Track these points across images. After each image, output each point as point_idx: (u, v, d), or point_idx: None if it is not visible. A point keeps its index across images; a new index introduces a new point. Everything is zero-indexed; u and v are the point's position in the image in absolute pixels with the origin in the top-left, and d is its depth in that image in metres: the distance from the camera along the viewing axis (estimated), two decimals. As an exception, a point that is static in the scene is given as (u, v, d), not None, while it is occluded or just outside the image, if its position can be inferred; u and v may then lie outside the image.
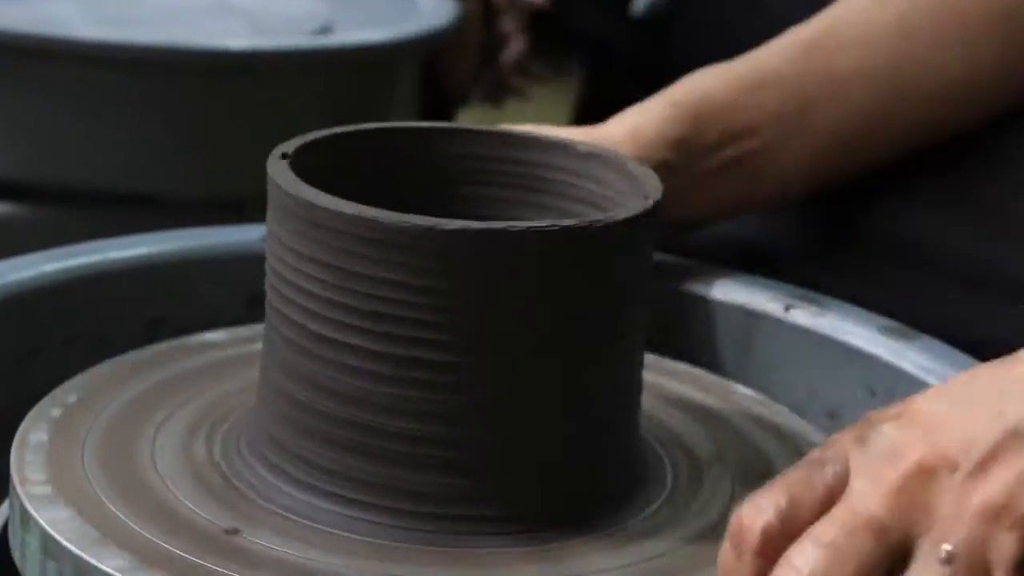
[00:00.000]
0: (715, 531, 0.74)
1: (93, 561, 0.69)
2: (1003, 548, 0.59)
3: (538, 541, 0.72)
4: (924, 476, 0.60)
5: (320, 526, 0.72)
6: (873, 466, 0.61)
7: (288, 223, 0.73)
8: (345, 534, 0.72)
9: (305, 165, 0.75)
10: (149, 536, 0.71)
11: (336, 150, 0.79)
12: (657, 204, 0.74)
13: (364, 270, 0.70)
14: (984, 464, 0.60)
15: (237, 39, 1.54)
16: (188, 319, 0.95)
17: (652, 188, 0.76)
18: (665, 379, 0.89)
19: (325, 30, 1.70)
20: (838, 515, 0.61)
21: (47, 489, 0.74)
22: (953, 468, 0.60)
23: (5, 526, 0.79)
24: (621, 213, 0.73)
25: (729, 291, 0.96)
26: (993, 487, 0.59)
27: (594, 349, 0.73)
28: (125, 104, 1.44)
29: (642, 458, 0.79)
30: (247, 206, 1.44)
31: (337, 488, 0.73)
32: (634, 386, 0.77)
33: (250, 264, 0.95)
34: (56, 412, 0.80)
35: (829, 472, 0.63)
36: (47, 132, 1.44)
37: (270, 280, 0.75)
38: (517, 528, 0.73)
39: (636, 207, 0.74)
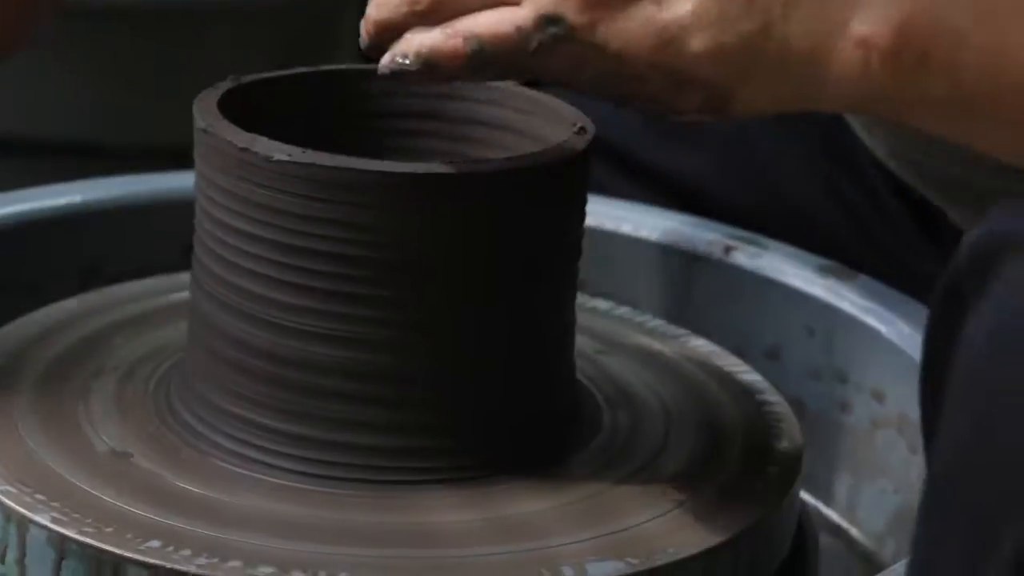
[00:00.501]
0: (647, 471, 0.74)
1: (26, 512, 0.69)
2: None
3: (473, 484, 0.72)
4: None
5: (238, 469, 0.72)
6: None
7: (215, 166, 0.72)
8: (268, 479, 0.72)
9: (233, 107, 0.74)
10: (54, 467, 0.71)
11: (264, 92, 0.78)
12: (588, 145, 0.74)
13: (295, 209, 0.70)
14: None
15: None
16: (122, 267, 0.94)
17: (585, 129, 0.75)
18: (602, 321, 0.89)
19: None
20: None
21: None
22: None
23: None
24: (552, 153, 0.72)
25: (669, 232, 0.96)
26: None
27: (525, 288, 0.73)
28: (61, 51, 1.43)
29: (578, 400, 0.79)
30: (187, 155, 1.43)
31: (262, 434, 0.72)
32: (567, 327, 0.77)
33: (185, 212, 0.94)
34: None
35: None
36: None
37: (198, 225, 0.75)
38: (451, 472, 0.72)
39: (566, 147, 0.73)
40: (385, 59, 0.67)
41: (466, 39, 0.65)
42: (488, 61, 0.65)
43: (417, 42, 0.66)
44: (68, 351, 0.81)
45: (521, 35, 0.64)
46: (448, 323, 0.71)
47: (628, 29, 0.63)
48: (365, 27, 0.68)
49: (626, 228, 0.97)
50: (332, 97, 0.80)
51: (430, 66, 0.66)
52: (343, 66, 0.81)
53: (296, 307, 0.71)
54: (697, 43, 0.63)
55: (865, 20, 0.62)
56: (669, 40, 0.63)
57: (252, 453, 0.73)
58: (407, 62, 0.66)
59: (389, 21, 0.67)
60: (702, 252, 0.95)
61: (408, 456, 0.72)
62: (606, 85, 0.66)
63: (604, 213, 0.95)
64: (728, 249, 0.94)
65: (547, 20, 0.64)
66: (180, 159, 1.44)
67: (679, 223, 0.96)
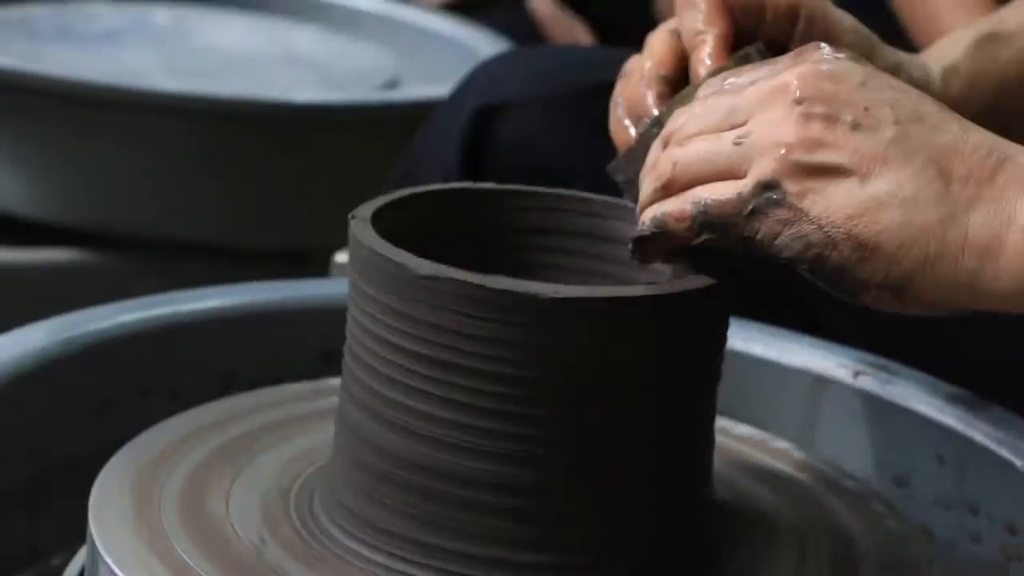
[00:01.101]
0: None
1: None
2: (763, 166, 0.71)
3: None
4: (786, 90, 0.72)
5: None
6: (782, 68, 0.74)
7: (375, 283, 0.74)
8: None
9: (386, 224, 0.76)
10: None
11: (414, 210, 0.80)
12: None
13: (447, 325, 0.71)
14: (823, 119, 0.71)
15: (305, 92, 1.55)
16: (260, 373, 0.96)
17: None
18: (734, 443, 0.89)
19: (392, 84, 1.72)
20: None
21: (126, 544, 0.74)
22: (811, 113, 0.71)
23: (81, 574, 0.80)
24: (699, 282, 0.74)
25: (798, 355, 0.96)
26: (808, 130, 0.71)
27: (667, 410, 0.74)
28: (197, 154, 1.46)
29: (714, 520, 0.79)
30: (310, 258, 1.46)
31: (405, 545, 0.73)
32: (707, 449, 0.78)
33: (322, 319, 0.96)
34: (133, 466, 0.81)
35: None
36: (122, 181, 1.46)
37: (351, 337, 0.76)
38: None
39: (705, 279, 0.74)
40: (634, 234, 0.76)
41: (694, 203, 0.73)
42: (709, 222, 0.73)
43: (653, 209, 0.75)
44: (211, 455, 0.82)
45: (740, 200, 0.72)
46: (592, 444, 0.72)
47: (832, 198, 0.70)
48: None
49: (756, 350, 0.97)
50: (482, 214, 0.82)
51: (660, 227, 0.74)
52: (493, 185, 0.83)
53: (443, 420, 0.72)
54: (888, 217, 0.70)
55: None
56: (864, 211, 0.70)
57: (395, 564, 0.74)
58: (644, 227, 0.75)
59: (646, 203, 0.76)
60: (831, 376, 0.95)
61: (549, 572, 0.73)
62: (800, 249, 0.71)
63: (734, 334, 0.96)
64: (857, 374, 0.94)
65: (764, 186, 0.72)
66: (302, 263, 1.47)
67: (808, 346, 0.97)
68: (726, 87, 0.75)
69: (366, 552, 0.74)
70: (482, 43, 1.76)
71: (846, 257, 0.71)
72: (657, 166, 0.75)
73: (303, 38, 1.81)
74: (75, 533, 0.79)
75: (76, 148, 1.45)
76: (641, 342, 0.72)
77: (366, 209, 0.77)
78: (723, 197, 0.73)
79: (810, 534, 0.80)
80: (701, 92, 0.77)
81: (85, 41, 1.65)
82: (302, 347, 0.97)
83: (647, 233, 0.75)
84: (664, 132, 0.76)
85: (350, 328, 0.76)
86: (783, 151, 0.71)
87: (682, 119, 0.75)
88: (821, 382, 0.95)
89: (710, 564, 0.76)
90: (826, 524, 0.82)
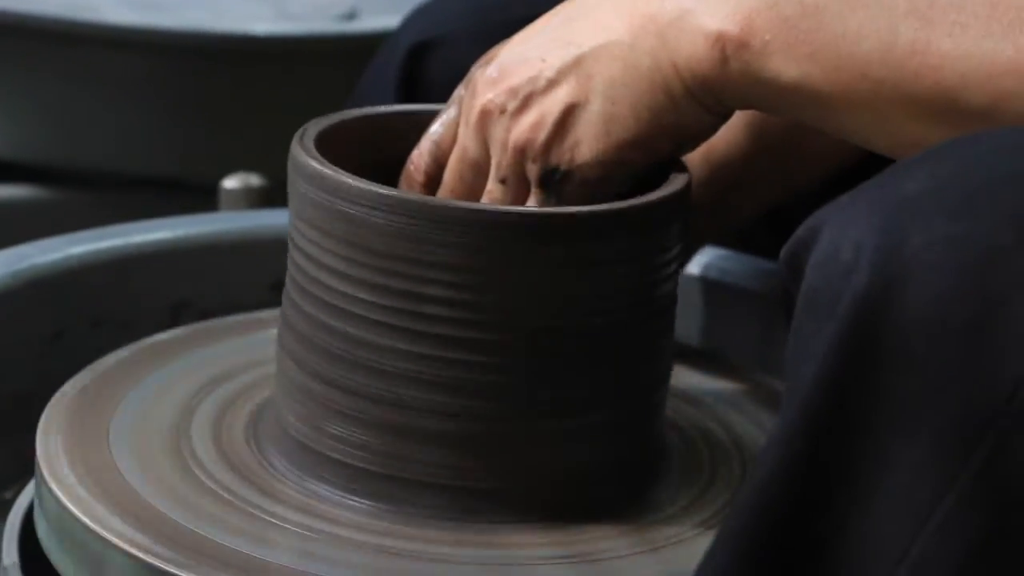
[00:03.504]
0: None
1: (113, 539, 0.70)
2: (532, 172, 0.74)
3: (555, 523, 0.73)
4: (487, 116, 0.75)
5: (327, 503, 0.73)
6: (466, 108, 0.76)
7: (314, 205, 0.73)
8: (352, 505, 0.73)
9: (327, 146, 0.75)
10: (173, 517, 0.71)
11: (357, 131, 0.79)
12: (685, 188, 0.75)
13: (396, 250, 0.71)
14: (521, 107, 0.74)
15: (262, 24, 1.54)
16: (212, 303, 0.95)
17: (681, 174, 0.76)
18: (688, 365, 0.89)
19: (350, 16, 1.70)
20: (453, 156, 0.77)
21: (71, 472, 0.74)
22: (503, 110, 0.74)
23: (31, 508, 0.80)
24: (653, 195, 0.73)
25: (762, 280, 0.96)
26: (522, 127, 0.74)
27: (625, 331, 0.74)
28: (151, 88, 1.45)
29: (664, 442, 0.79)
30: (275, 191, 1.45)
31: (349, 464, 0.74)
32: (663, 370, 0.77)
33: (275, 249, 0.95)
34: (80, 395, 0.80)
35: (453, 113, 0.78)
36: (75, 116, 1.45)
37: (293, 260, 0.76)
38: (536, 511, 0.73)
39: (666, 190, 0.74)
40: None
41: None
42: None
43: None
44: (161, 385, 0.82)
45: (540, 200, 0.75)
46: (546, 365, 0.72)
47: (581, 137, 0.74)
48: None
49: (713, 275, 0.97)
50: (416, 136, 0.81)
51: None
52: (431, 106, 0.82)
53: (389, 349, 0.72)
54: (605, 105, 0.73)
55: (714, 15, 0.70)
56: (603, 128, 0.74)
57: (347, 497, 0.74)
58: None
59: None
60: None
61: (500, 504, 0.73)
62: (614, 183, 0.74)
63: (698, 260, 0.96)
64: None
65: (544, 181, 0.74)
66: (267, 197, 1.46)
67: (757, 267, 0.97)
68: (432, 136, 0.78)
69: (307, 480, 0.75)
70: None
71: (634, 156, 0.73)
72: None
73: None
74: (27, 465, 0.79)
75: (28, 84, 1.44)
76: (584, 259, 0.72)
77: (311, 130, 0.77)
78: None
79: (753, 455, 0.81)
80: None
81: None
82: (254, 278, 0.96)
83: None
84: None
85: (291, 254, 0.76)
86: (527, 151, 0.74)
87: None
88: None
89: (655, 487, 0.77)
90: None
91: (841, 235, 0.60)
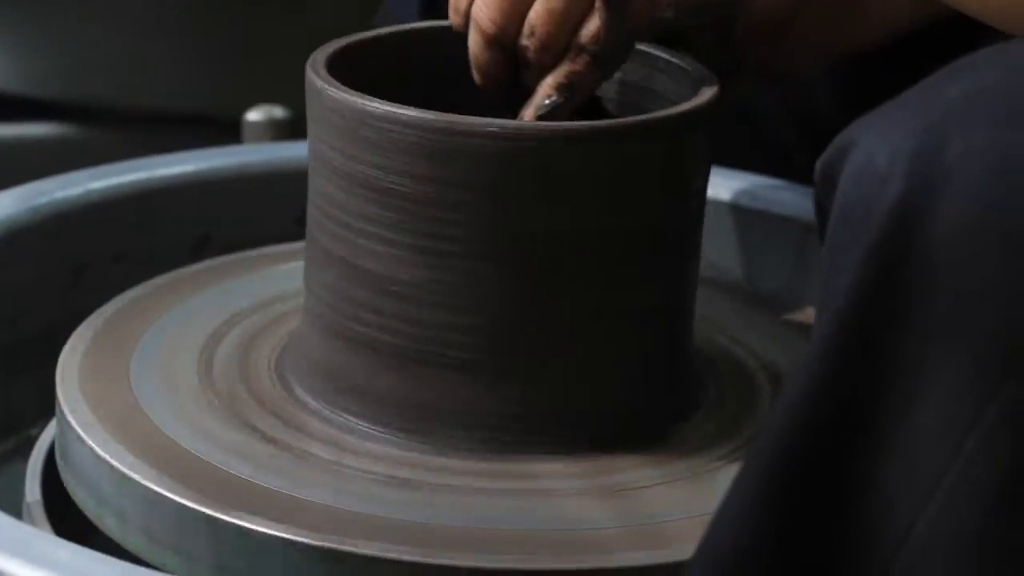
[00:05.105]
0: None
1: (135, 476, 0.69)
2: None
3: (586, 453, 0.72)
4: None
5: (356, 436, 0.72)
6: None
7: (329, 127, 0.72)
8: (382, 438, 0.72)
9: (342, 69, 0.74)
10: (198, 455, 0.70)
11: (372, 52, 0.77)
12: (709, 104, 0.73)
13: (413, 169, 0.69)
14: None
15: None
16: (234, 236, 0.94)
17: (706, 88, 0.74)
18: (715, 293, 0.87)
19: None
20: None
21: (92, 411, 0.73)
22: None
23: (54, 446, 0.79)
24: (673, 109, 0.72)
25: (785, 204, 0.94)
26: None
27: (646, 254, 0.72)
28: (173, 22, 1.43)
29: (693, 370, 0.78)
30: (300, 123, 1.44)
31: (379, 398, 0.72)
32: (688, 298, 0.76)
33: (298, 182, 0.94)
34: (102, 331, 0.79)
35: None
36: (96, 52, 1.44)
37: (312, 188, 0.74)
38: (561, 439, 0.72)
39: (688, 104, 0.72)
40: (528, 114, 0.74)
41: (581, 47, 0.73)
42: (601, 54, 0.73)
43: (555, 76, 0.74)
44: (183, 317, 0.81)
45: (611, 18, 0.72)
46: (570, 288, 0.71)
47: None
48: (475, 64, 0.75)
49: (728, 197, 0.95)
50: (437, 56, 0.79)
51: (570, 89, 0.74)
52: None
53: (413, 275, 0.71)
54: None
55: None
56: None
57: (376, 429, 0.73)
58: (554, 98, 0.74)
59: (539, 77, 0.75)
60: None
61: (528, 427, 0.71)
62: (681, 11, 0.72)
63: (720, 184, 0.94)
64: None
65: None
66: (294, 129, 1.44)
67: (796, 193, 0.95)
68: None
69: (336, 415, 0.74)
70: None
71: None
72: (535, 39, 0.74)
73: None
74: (51, 403, 0.78)
75: (49, 20, 1.43)
76: (600, 176, 0.70)
77: (321, 53, 0.75)
78: (594, 29, 0.73)
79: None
80: None
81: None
82: (277, 211, 0.95)
83: (559, 101, 0.74)
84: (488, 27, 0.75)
85: (311, 180, 0.75)
86: None
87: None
88: (809, 230, 0.93)
89: (683, 415, 0.75)
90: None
91: (877, 142, 0.57)
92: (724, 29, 0.83)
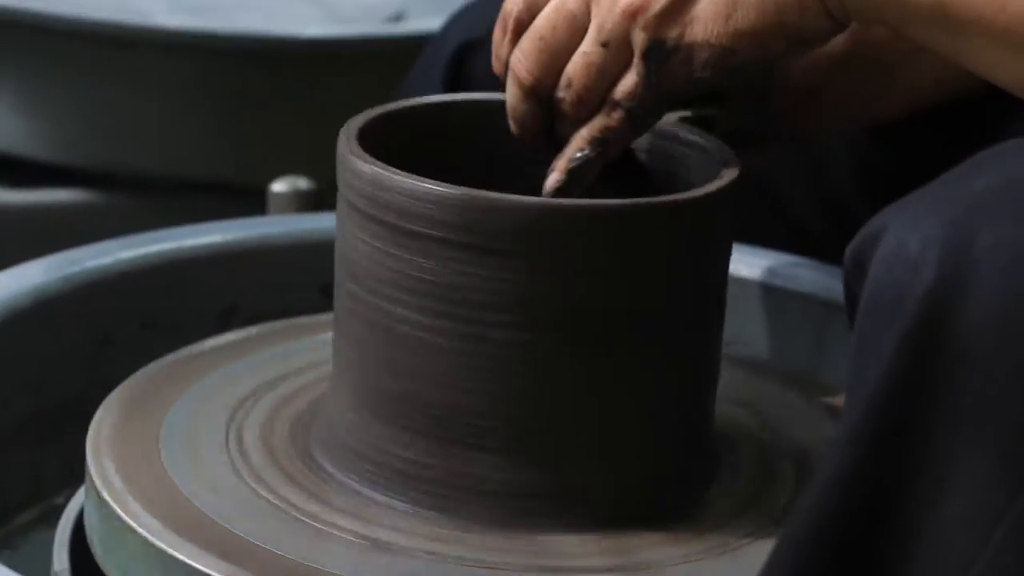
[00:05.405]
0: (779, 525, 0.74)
1: (164, 547, 0.70)
2: (639, 41, 0.73)
3: (608, 530, 0.72)
4: None
5: (380, 509, 0.73)
6: None
7: (361, 201, 0.73)
8: (406, 512, 0.72)
9: (373, 142, 0.75)
10: (225, 525, 0.71)
11: (401, 124, 0.78)
12: (733, 182, 0.74)
13: (443, 250, 0.70)
14: None
15: (313, 27, 1.54)
16: (261, 307, 0.95)
17: (729, 167, 0.75)
18: (736, 371, 0.88)
19: (398, 17, 1.70)
20: (550, 5, 0.75)
21: (121, 480, 0.74)
22: None
23: (82, 514, 0.79)
24: (699, 190, 0.72)
25: (805, 281, 0.95)
26: None
27: (671, 332, 0.73)
28: (202, 92, 1.45)
29: (713, 448, 0.79)
30: (319, 195, 1.45)
31: (404, 471, 0.73)
32: (710, 375, 0.77)
33: (324, 253, 0.95)
34: (130, 401, 0.80)
35: None
36: (126, 120, 1.45)
37: (341, 259, 0.75)
38: (584, 516, 0.72)
39: (713, 184, 0.73)
40: (560, 166, 0.75)
41: (616, 103, 0.74)
42: (635, 110, 0.73)
43: (588, 131, 0.75)
44: (210, 388, 0.82)
45: (642, 77, 0.73)
46: (597, 365, 0.71)
47: (702, 16, 0.72)
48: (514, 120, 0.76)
49: (751, 275, 0.96)
50: (469, 128, 0.80)
51: (602, 144, 0.75)
52: (477, 96, 0.81)
53: (443, 358, 0.71)
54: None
55: None
56: (730, 6, 0.72)
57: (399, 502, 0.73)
58: (585, 152, 0.75)
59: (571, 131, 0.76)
60: (838, 300, 0.94)
61: (546, 507, 0.72)
62: (710, 68, 0.72)
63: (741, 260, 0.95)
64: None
65: (649, 52, 0.73)
66: (318, 199, 1.46)
67: (819, 273, 0.96)
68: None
69: (362, 488, 0.74)
70: (490, -25, 1.74)
71: (745, 48, 0.72)
72: (571, 91, 0.75)
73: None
74: (78, 471, 0.79)
75: (80, 88, 1.44)
76: (630, 254, 0.71)
77: (354, 123, 0.76)
78: (630, 85, 0.73)
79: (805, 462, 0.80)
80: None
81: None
82: (303, 281, 0.96)
83: (591, 155, 0.75)
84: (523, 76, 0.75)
85: (339, 250, 0.75)
86: (638, 17, 0.72)
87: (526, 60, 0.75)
88: (829, 306, 0.94)
89: (704, 494, 0.76)
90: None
91: (909, 230, 0.59)
92: (761, 91, 0.84)
